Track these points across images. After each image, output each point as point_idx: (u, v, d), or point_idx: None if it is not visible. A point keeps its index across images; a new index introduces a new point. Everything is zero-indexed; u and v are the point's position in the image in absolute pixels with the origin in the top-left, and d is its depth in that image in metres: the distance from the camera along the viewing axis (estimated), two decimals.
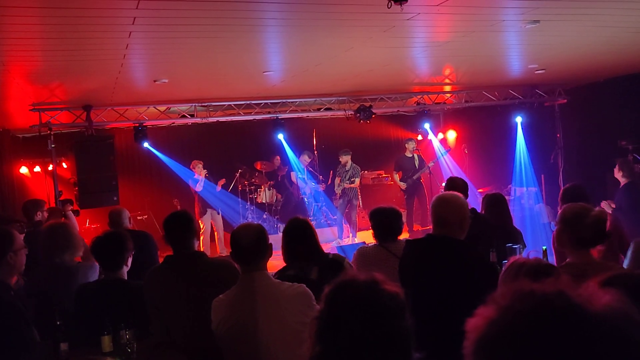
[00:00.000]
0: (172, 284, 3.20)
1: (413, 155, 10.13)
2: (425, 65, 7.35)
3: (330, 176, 10.63)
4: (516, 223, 5.41)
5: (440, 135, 12.11)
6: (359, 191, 10.47)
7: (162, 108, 8.68)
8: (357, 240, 9.43)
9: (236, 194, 10.63)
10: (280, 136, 9.76)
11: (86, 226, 10.00)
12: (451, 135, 12.39)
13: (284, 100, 9.12)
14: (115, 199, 7.94)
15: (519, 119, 9.95)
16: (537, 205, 9.73)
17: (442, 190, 6.54)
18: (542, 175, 10.12)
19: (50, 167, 9.00)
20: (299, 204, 10.72)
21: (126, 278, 3.47)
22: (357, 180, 10.01)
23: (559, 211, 3.12)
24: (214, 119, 9.01)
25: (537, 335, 0.78)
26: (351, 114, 9.26)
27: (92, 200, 7.97)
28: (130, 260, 3.50)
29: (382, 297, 1.53)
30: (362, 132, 11.74)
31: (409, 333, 1.53)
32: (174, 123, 9.06)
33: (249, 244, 2.77)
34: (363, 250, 4.11)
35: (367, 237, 8.94)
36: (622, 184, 6.29)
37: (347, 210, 10.05)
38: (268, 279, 2.80)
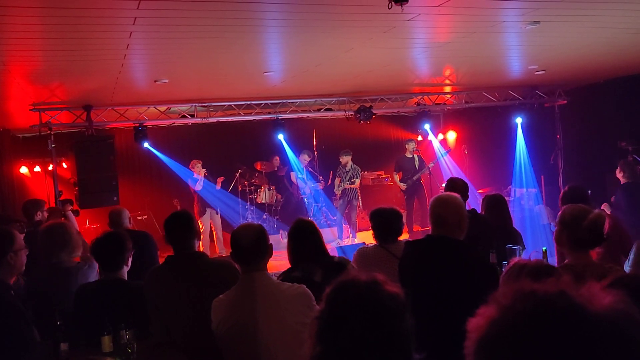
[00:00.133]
0: (173, 284, 3.20)
1: (413, 156, 10.13)
2: (426, 66, 7.36)
3: (330, 177, 10.63)
4: (516, 224, 5.41)
5: (440, 136, 12.11)
6: (359, 192, 10.47)
7: (162, 108, 8.68)
8: (357, 241, 9.43)
9: (236, 194, 10.62)
10: (281, 136, 9.76)
11: (86, 226, 9.99)
12: (451, 136, 12.39)
13: (284, 101, 9.13)
14: (115, 199, 7.94)
15: (519, 120, 9.96)
16: (537, 206, 9.73)
17: (442, 191, 6.55)
18: (542, 176, 10.12)
19: (50, 167, 9.00)
20: (299, 204, 10.72)
21: (126, 278, 3.48)
22: (358, 181, 10.01)
23: (560, 212, 3.13)
24: (214, 119, 9.01)
25: (538, 335, 0.78)
26: (351, 115, 9.26)
27: (92, 200, 7.97)
28: (130, 259, 3.50)
29: (382, 298, 1.53)
30: (362, 133, 11.74)
31: (409, 333, 1.53)
32: (174, 123, 9.06)
33: (249, 244, 2.77)
34: (363, 251, 4.12)
35: (366, 237, 8.94)
36: (622, 183, 6.31)
37: (347, 211, 10.06)
38: (268, 279, 2.80)
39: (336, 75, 7.17)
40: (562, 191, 5.13)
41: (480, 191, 10.11)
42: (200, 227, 9.06)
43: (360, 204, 10.75)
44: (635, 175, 6.34)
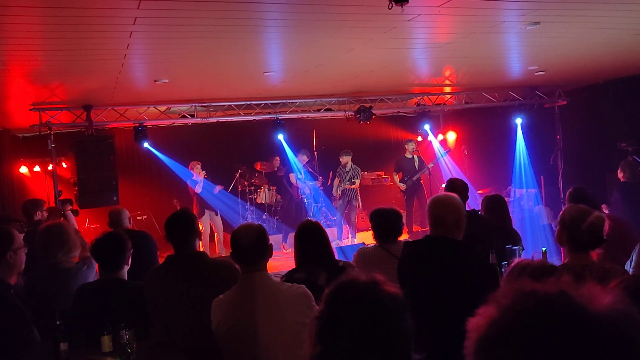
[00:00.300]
0: (173, 284, 3.20)
1: (413, 156, 10.13)
2: (426, 67, 7.36)
3: (330, 177, 10.62)
4: (515, 224, 5.41)
5: (440, 137, 12.11)
6: (359, 192, 10.47)
7: (162, 108, 8.68)
8: (356, 241, 9.43)
9: (236, 195, 10.62)
10: (280, 137, 9.75)
11: (86, 226, 9.99)
12: (451, 136, 12.39)
13: (284, 101, 9.13)
14: (115, 199, 7.94)
15: (518, 121, 9.96)
16: (537, 207, 9.74)
17: (442, 191, 6.55)
18: (542, 177, 10.12)
19: (50, 167, 9.00)
20: (299, 204, 10.72)
21: (126, 278, 3.47)
22: (357, 181, 10.01)
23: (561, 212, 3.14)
24: (214, 119, 9.01)
25: (538, 335, 0.78)
26: (351, 115, 9.26)
27: (92, 200, 7.97)
28: (130, 259, 3.50)
29: (382, 298, 1.53)
30: (362, 133, 11.74)
31: (409, 334, 1.53)
32: (174, 123, 9.06)
33: (249, 244, 2.77)
34: (363, 251, 4.12)
35: (366, 238, 8.94)
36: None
37: (346, 211, 10.05)
38: (268, 279, 2.80)
39: (336, 76, 7.18)
40: (567, 191, 5.14)
41: (480, 192, 10.11)
42: (200, 228, 9.04)
43: (360, 204, 10.75)
44: (635, 176, 6.35)
